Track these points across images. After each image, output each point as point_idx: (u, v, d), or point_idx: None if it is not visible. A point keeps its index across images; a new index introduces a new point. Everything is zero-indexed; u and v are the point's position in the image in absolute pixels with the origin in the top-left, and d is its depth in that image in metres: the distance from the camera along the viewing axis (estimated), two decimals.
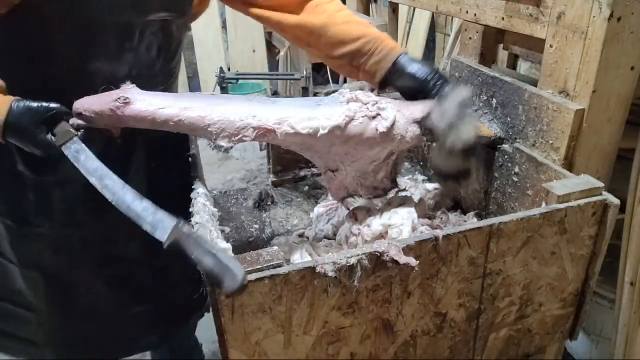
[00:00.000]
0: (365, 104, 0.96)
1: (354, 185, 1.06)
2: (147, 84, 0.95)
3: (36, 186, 1.01)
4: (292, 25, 1.10)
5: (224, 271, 0.66)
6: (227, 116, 0.88)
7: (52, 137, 0.85)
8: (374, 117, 0.95)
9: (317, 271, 0.73)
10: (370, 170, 1.02)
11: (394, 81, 1.04)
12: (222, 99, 0.94)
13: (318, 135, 0.91)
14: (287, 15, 1.09)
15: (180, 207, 0.94)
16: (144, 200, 0.80)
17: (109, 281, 1.13)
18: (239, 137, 0.88)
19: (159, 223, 0.76)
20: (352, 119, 0.93)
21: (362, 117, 0.94)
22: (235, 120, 0.88)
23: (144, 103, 0.86)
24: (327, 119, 0.92)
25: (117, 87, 0.89)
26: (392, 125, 0.95)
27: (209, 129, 0.87)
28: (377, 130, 0.94)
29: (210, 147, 0.92)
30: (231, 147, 0.91)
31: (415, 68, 1.01)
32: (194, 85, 3.84)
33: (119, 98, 0.85)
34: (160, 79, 1.06)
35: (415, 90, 1.01)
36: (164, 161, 1.11)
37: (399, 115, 0.97)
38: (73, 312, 1.13)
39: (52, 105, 0.85)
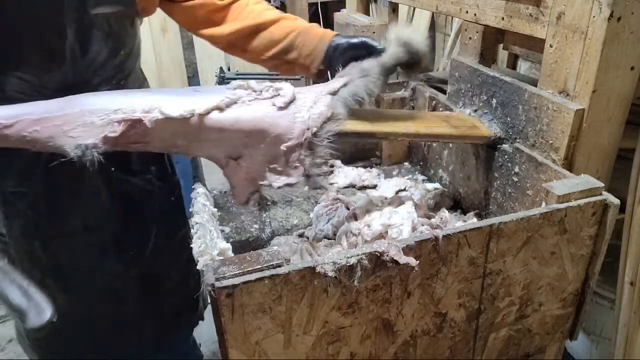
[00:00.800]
0: (258, 91, 0.93)
1: (262, 173, 0.95)
2: (88, 83, 0.92)
3: (5, 201, 0.99)
4: (226, 34, 1.10)
5: (30, 306, 0.64)
6: (84, 117, 0.82)
7: None
8: (270, 98, 0.93)
9: (317, 271, 0.73)
10: (281, 153, 0.93)
11: (334, 62, 1.04)
12: (77, 99, 0.87)
13: (194, 118, 0.85)
14: (217, 28, 1.10)
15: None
16: None
17: (82, 293, 1.11)
18: (103, 135, 0.82)
19: None
20: (235, 102, 0.90)
21: (250, 100, 0.91)
22: (95, 120, 0.82)
23: None
24: (204, 100, 0.88)
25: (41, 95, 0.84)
26: (293, 100, 0.92)
27: (70, 134, 0.81)
28: (274, 106, 0.91)
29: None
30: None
31: (352, 39, 1.04)
32: (194, 85, 3.84)
33: None
34: (105, 76, 1.00)
35: (359, 57, 1.01)
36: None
37: (307, 91, 0.95)
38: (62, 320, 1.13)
39: None
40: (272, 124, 0.91)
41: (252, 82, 0.95)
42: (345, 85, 0.98)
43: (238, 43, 1.11)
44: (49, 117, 0.82)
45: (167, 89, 1.01)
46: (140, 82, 1.13)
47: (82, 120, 0.82)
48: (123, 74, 1.04)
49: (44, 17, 0.87)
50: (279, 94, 0.93)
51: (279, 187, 0.96)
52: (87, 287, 1.11)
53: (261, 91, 0.94)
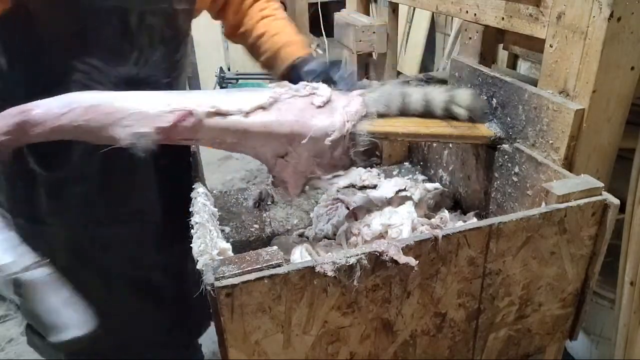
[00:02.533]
0: (295, 89, 0.97)
1: (311, 167, 1.01)
2: (148, 78, 0.94)
3: (48, 184, 1.00)
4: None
5: (70, 317, 0.64)
6: (137, 107, 0.85)
7: None
8: (307, 96, 0.97)
9: (316, 271, 0.73)
10: (327, 147, 0.97)
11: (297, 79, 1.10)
12: (128, 93, 0.91)
13: (242, 115, 0.90)
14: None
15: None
16: (9, 232, 0.76)
17: (122, 285, 1.12)
18: (156, 125, 0.85)
19: (19, 255, 0.72)
20: (277, 100, 0.93)
21: (290, 97, 0.95)
22: (148, 110, 0.85)
23: (45, 108, 0.81)
24: (249, 99, 0.92)
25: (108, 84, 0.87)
26: (329, 99, 0.97)
27: (123, 122, 0.83)
28: (313, 104, 0.95)
29: None
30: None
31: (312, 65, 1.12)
32: (194, 86, 3.84)
33: (22, 111, 0.80)
34: (163, 72, 1.04)
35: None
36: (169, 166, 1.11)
37: (338, 93, 1.01)
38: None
39: None
40: (314, 120, 0.95)
41: (286, 83, 1.00)
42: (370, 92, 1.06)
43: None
44: (102, 105, 0.84)
45: (213, 90, 1.06)
46: (184, 84, 1.19)
47: (135, 108, 0.84)
48: (176, 72, 1.09)
49: (128, 7, 0.91)
50: (315, 93, 0.98)
51: (328, 179, 1.03)
52: (126, 280, 1.12)
53: (298, 89, 0.98)
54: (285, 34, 1.19)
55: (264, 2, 1.22)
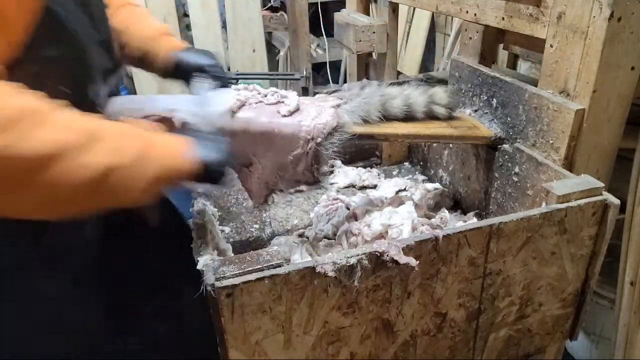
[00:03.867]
0: (263, 94, 0.96)
1: (273, 179, 0.99)
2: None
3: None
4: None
5: None
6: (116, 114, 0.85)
7: None
8: (275, 104, 0.95)
9: (317, 271, 0.73)
10: (288, 162, 0.96)
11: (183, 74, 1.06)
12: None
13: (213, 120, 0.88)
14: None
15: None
16: None
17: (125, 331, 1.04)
18: None
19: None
20: (244, 104, 0.93)
21: (257, 103, 0.94)
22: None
23: None
24: (218, 105, 0.91)
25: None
26: (297, 110, 0.94)
27: None
28: (279, 113, 0.93)
29: None
30: None
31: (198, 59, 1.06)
32: None
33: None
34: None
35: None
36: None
37: (309, 103, 0.98)
38: None
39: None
40: (279, 131, 0.92)
41: (256, 86, 0.98)
42: (345, 103, 1.02)
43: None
44: None
45: (177, 95, 1.03)
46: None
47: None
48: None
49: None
50: (283, 102, 0.95)
51: (290, 193, 1.01)
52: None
53: (266, 95, 0.96)
54: (147, 23, 1.10)
55: None
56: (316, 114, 0.95)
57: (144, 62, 1.09)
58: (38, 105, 0.60)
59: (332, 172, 1.52)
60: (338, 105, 1.00)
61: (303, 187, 1.00)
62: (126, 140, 0.68)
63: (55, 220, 0.68)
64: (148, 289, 1.04)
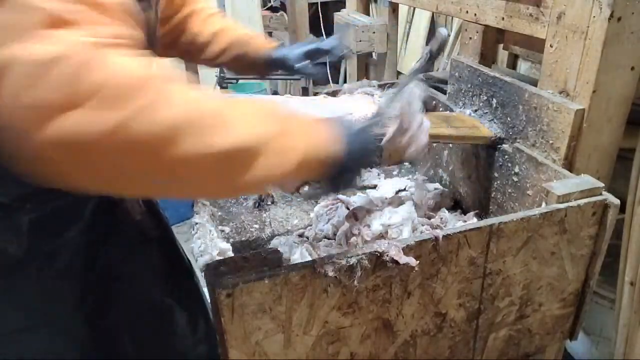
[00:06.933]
0: None
1: None
2: None
3: None
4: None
5: None
6: None
7: None
8: None
9: (317, 271, 0.73)
10: None
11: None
12: None
13: None
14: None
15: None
16: None
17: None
18: None
19: None
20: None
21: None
22: None
23: None
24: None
25: None
26: None
27: None
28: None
29: None
30: None
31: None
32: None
33: None
34: None
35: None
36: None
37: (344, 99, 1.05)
38: None
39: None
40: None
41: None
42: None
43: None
44: None
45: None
46: None
47: None
48: None
49: None
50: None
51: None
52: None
53: None
54: (241, 28, 1.17)
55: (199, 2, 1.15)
56: (354, 107, 1.00)
57: (242, 61, 1.14)
58: (169, 75, 0.54)
59: None
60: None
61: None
62: (264, 117, 0.60)
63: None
64: (128, 295, 1.04)
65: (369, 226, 1.04)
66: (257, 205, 1.39)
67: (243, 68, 1.19)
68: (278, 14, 3.56)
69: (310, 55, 1.13)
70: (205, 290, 0.75)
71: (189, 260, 1.10)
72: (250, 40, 1.15)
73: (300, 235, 1.23)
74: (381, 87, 1.29)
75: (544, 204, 0.90)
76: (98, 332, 0.92)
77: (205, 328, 1.09)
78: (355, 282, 0.75)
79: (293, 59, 1.12)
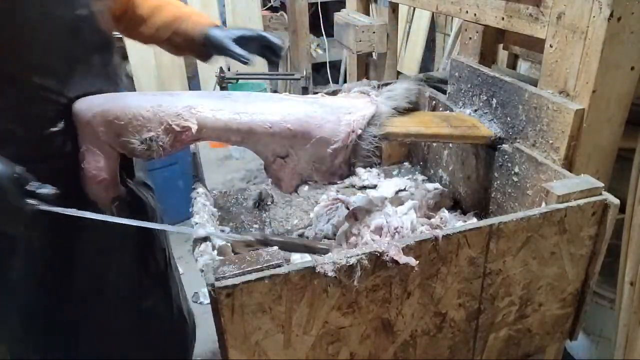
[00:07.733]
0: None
1: (308, 171, 1.01)
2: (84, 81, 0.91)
3: None
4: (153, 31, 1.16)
5: None
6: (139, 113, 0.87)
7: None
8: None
9: (317, 271, 0.73)
10: (327, 155, 0.97)
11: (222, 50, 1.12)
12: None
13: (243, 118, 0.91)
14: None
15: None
16: None
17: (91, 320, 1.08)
18: (163, 127, 0.88)
19: None
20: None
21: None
22: (149, 116, 0.87)
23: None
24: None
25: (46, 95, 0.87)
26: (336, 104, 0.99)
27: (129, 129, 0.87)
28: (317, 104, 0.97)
29: None
30: None
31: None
32: (194, 86, 3.83)
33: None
34: (101, 74, 0.98)
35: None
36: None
37: (345, 97, 1.03)
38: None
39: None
40: (319, 125, 0.94)
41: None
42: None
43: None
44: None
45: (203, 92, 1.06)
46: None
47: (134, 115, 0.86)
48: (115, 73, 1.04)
49: (60, 15, 0.86)
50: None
51: (324, 184, 1.04)
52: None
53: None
54: (184, 5, 1.16)
55: None
56: (361, 107, 0.99)
57: (174, 42, 1.15)
58: None
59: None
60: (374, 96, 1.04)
61: (337, 180, 1.02)
62: None
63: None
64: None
65: (368, 226, 1.04)
66: (257, 205, 1.39)
67: (179, 47, 1.17)
68: (278, 14, 3.56)
69: (247, 41, 1.12)
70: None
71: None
72: (190, 17, 1.14)
73: (300, 235, 1.23)
74: (380, 86, 1.29)
75: (543, 204, 0.90)
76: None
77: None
78: (355, 282, 0.75)
79: (226, 40, 1.11)
